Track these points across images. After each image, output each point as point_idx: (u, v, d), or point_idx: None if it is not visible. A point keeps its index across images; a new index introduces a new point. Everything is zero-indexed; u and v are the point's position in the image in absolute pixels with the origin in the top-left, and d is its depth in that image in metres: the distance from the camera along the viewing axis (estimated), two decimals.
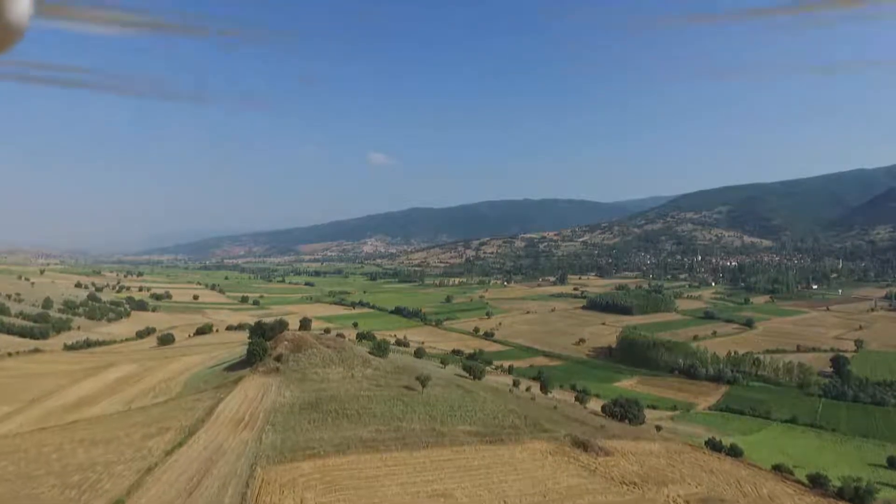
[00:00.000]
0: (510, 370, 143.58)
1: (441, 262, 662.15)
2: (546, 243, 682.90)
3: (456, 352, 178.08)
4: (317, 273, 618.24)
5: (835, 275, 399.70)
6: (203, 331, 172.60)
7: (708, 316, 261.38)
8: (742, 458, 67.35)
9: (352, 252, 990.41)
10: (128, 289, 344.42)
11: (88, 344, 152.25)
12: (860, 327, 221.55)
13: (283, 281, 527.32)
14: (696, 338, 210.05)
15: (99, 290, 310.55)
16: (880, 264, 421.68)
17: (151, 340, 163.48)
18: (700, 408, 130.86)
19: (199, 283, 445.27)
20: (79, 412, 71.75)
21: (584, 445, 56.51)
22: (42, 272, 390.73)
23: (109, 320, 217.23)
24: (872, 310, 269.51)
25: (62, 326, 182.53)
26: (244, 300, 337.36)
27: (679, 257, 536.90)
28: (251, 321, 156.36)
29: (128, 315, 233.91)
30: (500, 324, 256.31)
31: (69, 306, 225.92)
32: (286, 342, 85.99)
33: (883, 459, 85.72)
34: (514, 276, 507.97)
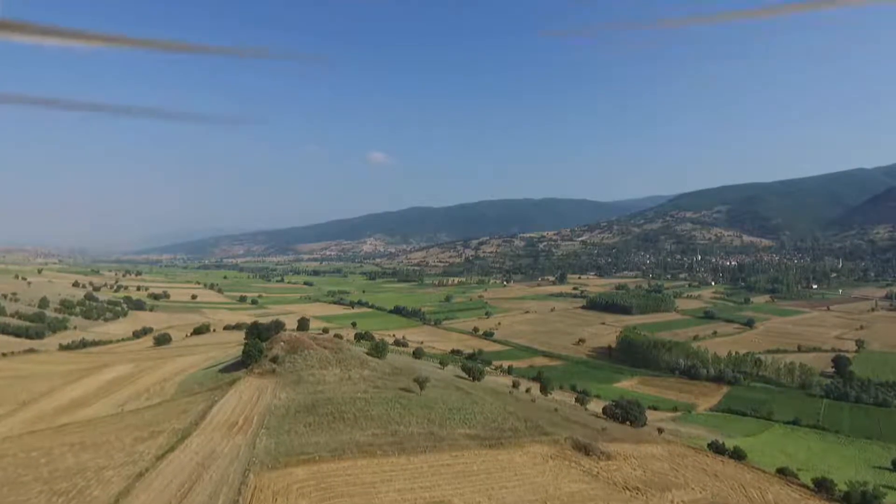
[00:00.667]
0: (509, 371, 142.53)
1: (440, 261, 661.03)
2: (545, 243, 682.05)
3: (455, 352, 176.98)
4: (316, 272, 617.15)
5: (835, 274, 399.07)
6: (200, 331, 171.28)
7: (708, 316, 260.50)
8: (746, 462, 66.16)
9: (351, 251, 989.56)
10: (126, 288, 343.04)
11: (84, 344, 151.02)
12: (861, 327, 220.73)
13: (281, 280, 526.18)
14: (696, 338, 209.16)
15: (96, 289, 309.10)
16: (880, 264, 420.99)
17: (148, 340, 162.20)
18: (701, 409, 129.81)
19: (197, 283, 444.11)
20: (70, 414, 70.45)
21: (585, 449, 55.31)
22: (40, 271, 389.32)
23: (106, 320, 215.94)
24: (873, 310, 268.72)
25: (58, 326, 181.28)
26: (242, 300, 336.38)
27: (679, 257, 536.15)
28: (249, 321, 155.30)
29: (125, 315, 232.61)
30: (499, 324, 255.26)
31: (66, 306, 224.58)
32: (282, 343, 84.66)
33: (887, 462, 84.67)
34: (513, 275, 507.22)
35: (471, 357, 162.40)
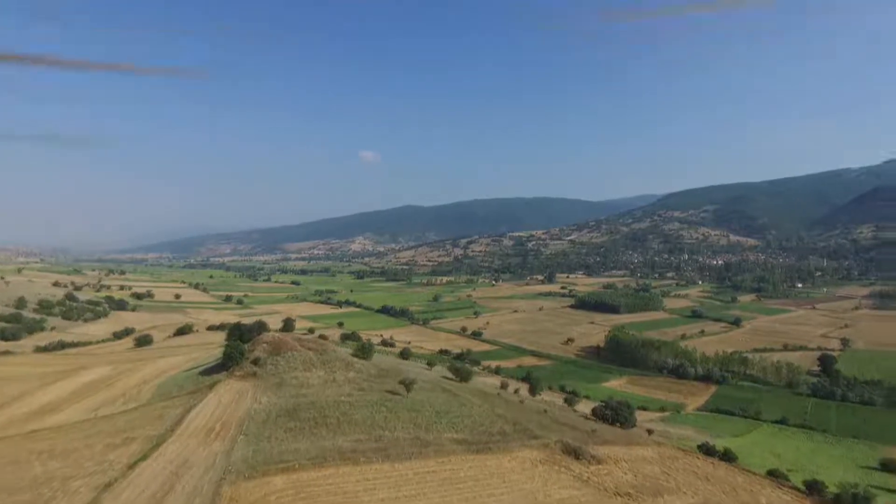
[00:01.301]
0: (497, 371, 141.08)
1: (429, 260, 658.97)
2: (534, 242, 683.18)
3: (443, 352, 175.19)
4: (303, 272, 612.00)
5: (819, 273, 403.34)
6: (183, 331, 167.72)
7: (696, 315, 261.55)
8: (736, 463, 65.29)
9: (339, 250, 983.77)
10: (108, 288, 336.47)
11: (62, 345, 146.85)
12: (846, 326, 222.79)
13: (268, 280, 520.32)
14: (684, 336, 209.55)
15: (77, 289, 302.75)
16: (863, 263, 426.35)
17: (129, 342, 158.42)
18: (690, 408, 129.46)
19: (182, 282, 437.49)
20: (41, 420, 67.66)
21: (575, 453, 53.95)
22: (20, 271, 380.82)
23: (86, 320, 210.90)
24: (857, 308, 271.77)
25: (35, 327, 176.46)
26: (228, 299, 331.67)
27: (666, 256, 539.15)
28: (234, 320, 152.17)
29: (106, 315, 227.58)
30: (487, 323, 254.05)
31: (44, 306, 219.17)
32: (265, 344, 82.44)
33: (874, 462, 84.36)
34: (502, 274, 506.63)
35: (459, 357, 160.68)
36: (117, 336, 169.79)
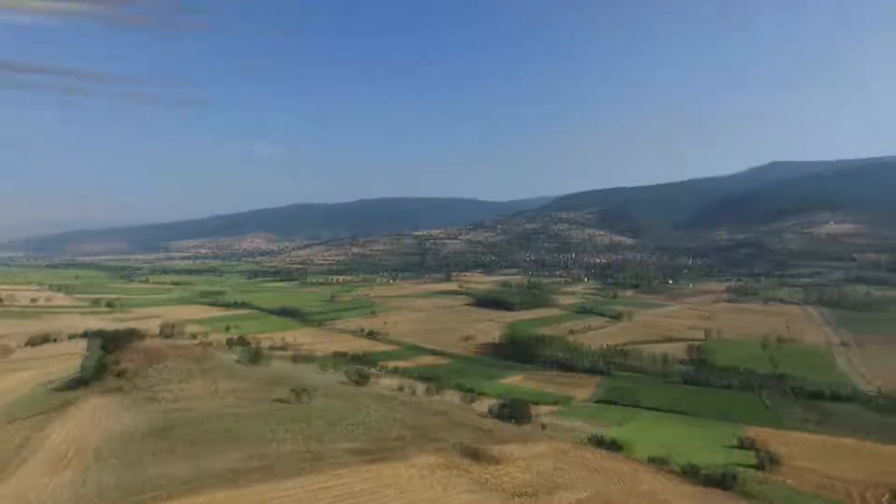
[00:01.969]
0: (396, 371, 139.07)
1: (326, 259, 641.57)
2: (432, 241, 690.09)
3: (339, 354, 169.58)
4: (188, 271, 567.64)
5: (686, 270, 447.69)
6: (35, 342, 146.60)
7: (583, 310, 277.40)
8: (622, 453, 68.77)
9: (229, 249, 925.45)
10: None
11: None
12: (709, 318, 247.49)
13: (146, 281, 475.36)
14: (572, 332, 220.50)
15: None
16: (722, 261, 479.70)
17: None
18: (578, 399, 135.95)
19: (40, 284, 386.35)
20: None
21: (474, 455, 53.33)
22: None
23: None
24: (717, 301, 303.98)
25: None
26: (97, 303, 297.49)
27: (556, 255, 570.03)
28: (105, 327, 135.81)
29: None
30: (385, 323, 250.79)
31: None
32: (136, 354, 73.57)
33: (735, 440, 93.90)
34: (401, 273, 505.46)
35: (356, 359, 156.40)
36: None
